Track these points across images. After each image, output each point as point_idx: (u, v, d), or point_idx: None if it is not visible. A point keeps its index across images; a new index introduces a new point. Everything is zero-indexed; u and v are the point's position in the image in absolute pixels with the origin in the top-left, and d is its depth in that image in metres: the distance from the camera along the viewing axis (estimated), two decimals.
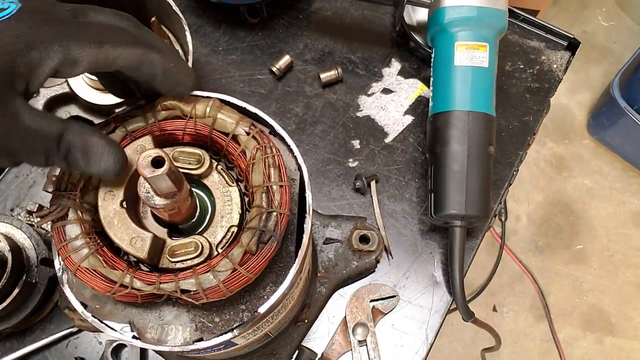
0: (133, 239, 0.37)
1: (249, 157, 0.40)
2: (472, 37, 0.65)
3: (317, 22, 0.80)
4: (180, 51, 0.71)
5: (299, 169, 0.44)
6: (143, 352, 0.64)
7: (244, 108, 0.44)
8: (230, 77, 0.77)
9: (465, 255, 0.66)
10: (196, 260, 0.38)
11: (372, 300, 0.66)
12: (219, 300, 0.38)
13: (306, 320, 0.64)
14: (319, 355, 0.64)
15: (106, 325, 0.39)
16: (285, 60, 0.76)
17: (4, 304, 0.57)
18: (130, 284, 0.36)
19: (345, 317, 0.65)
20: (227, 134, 0.41)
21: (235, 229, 0.40)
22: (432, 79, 0.68)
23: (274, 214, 0.38)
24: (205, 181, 0.41)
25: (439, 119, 0.65)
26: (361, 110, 0.75)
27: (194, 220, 0.42)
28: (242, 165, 0.41)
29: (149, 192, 0.36)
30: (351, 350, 0.64)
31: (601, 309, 1.68)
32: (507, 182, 0.71)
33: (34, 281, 0.61)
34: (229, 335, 0.40)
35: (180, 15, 0.65)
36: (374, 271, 0.67)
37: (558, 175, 1.83)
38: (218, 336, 0.40)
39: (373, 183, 0.71)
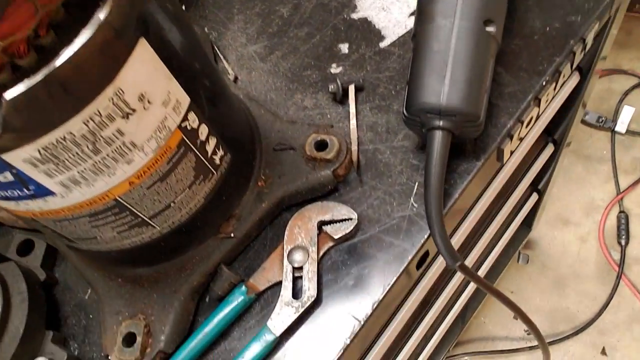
0: None
1: None
2: None
3: None
4: None
5: None
6: None
7: None
8: None
9: (454, 180, 0.49)
10: None
11: (321, 223, 0.51)
12: None
13: (232, 235, 0.51)
14: (243, 283, 0.50)
15: None
16: None
17: None
18: None
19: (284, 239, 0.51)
20: None
21: None
22: None
23: None
24: None
25: None
26: (358, 12, 0.62)
27: None
28: None
29: None
30: (282, 279, 0.49)
31: None
32: (531, 94, 0.53)
33: None
34: None
35: None
36: (333, 190, 0.53)
37: None
38: None
39: (352, 87, 0.56)
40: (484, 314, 1.37)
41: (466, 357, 1.33)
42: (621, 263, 1.37)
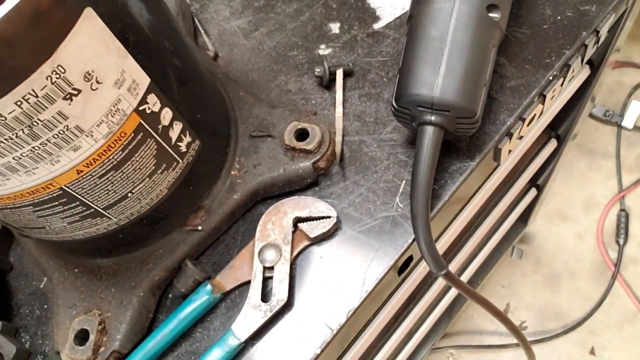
0: None
1: None
2: None
3: None
4: None
5: None
6: None
7: None
8: None
9: (445, 180, 0.44)
10: None
11: (297, 219, 0.47)
12: None
13: (200, 228, 0.47)
14: (209, 281, 0.46)
15: None
16: None
17: None
18: None
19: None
20: None
21: None
22: None
23: None
24: None
25: None
26: None
27: None
28: None
29: None
30: (251, 279, 0.45)
31: None
32: (535, 90, 0.48)
33: None
34: None
35: None
36: (312, 183, 0.48)
37: None
38: None
39: (340, 72, 0.52)
40: (473, 308, 1.34)
41: (451, 351, 1.31)
42: (618, 262, 1.34)
